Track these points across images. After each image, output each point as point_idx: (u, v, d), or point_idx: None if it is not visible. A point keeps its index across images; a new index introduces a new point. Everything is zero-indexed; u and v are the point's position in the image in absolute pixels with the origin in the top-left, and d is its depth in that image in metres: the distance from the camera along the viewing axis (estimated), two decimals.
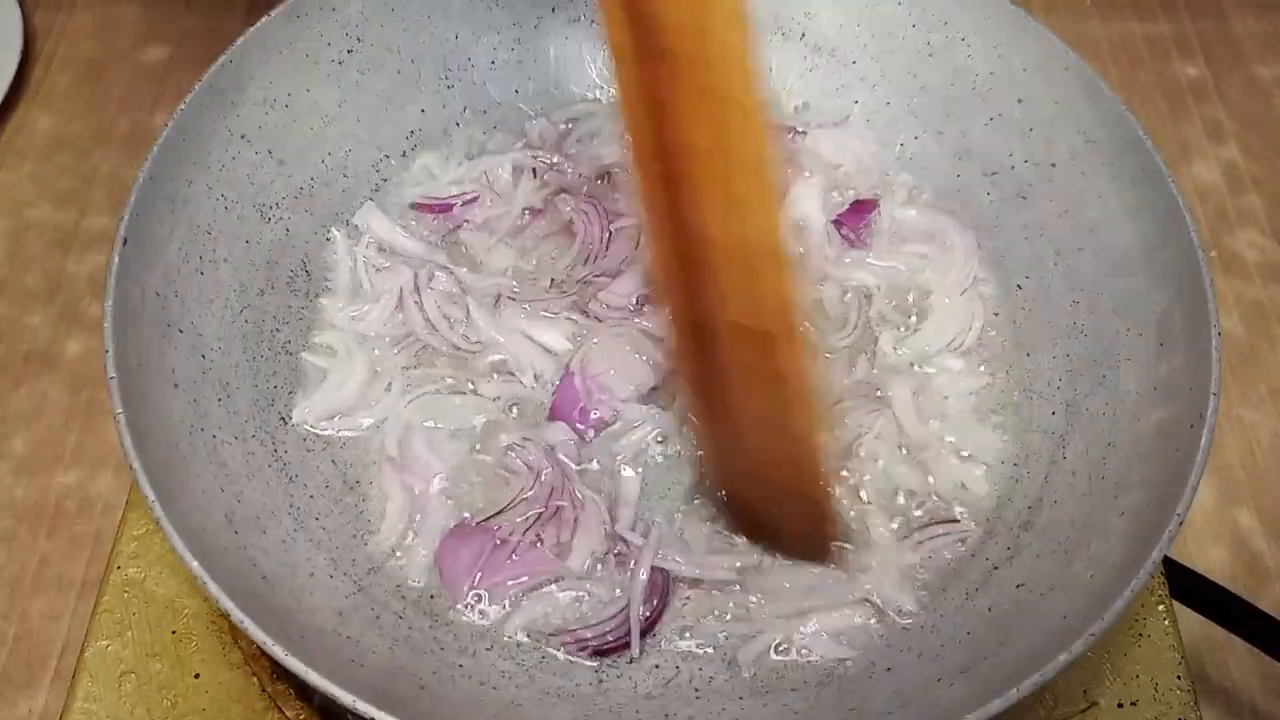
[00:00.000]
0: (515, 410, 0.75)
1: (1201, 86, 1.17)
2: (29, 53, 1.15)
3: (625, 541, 0.69)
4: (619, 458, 0.72)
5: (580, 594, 0.67)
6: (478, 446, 0.73)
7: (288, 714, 0.67)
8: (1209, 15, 1.22)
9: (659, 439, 0.73)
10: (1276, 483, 0.91)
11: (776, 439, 0.61)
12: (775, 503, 0.66)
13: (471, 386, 0.75)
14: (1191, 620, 0.72)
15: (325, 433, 0.73)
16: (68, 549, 0.88)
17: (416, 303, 0.78)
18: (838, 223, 0.83)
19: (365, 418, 0.74)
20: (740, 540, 0.69)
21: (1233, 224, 1.06)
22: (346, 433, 0.74)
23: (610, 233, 0.82)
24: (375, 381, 0.75)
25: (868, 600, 0.68)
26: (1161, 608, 0.71)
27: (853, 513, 0.71)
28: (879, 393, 0.76)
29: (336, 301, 0.79)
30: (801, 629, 0.67)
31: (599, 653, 0.65)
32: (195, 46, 1.15)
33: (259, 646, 0.67)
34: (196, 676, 0.68)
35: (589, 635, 0.66)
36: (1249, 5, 1.22)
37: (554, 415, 0.73)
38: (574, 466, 0.71)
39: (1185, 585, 0.72)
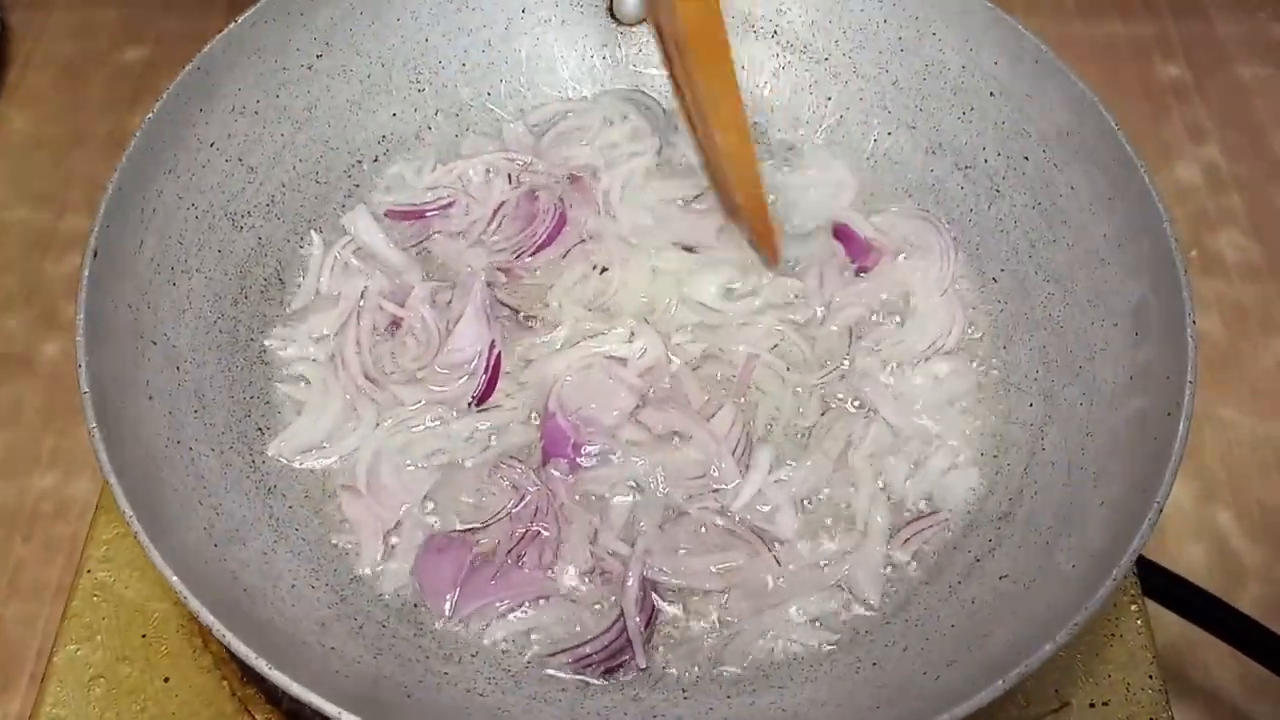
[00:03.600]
0: (493, 439, 0.74)
1: (1183, 87, 1.17)
2: (6, 53, 1.14)
3: (610, 556, 0.69)
4: (612, 485, 0.71)
5: (567, 610, 0.67)
6: (457, 466, 0.72)
7: (257, 717, 0.67)
8: (1191, 16, 1.23)
9: (651, 465, 0.72)
10: (1255, 483, 0.91)
11: (707, 131, 0.79)
12: (727, 195, 0.82)
13: (443, 419, 0.74)
14: (1170, 620, 0.73)
15: (301, 466, 0.72)
16: (43, 553, 0.87)
17: (356, 320, 0.78)
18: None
19: (339, 451, 0.73)
20: (726, 541, 0.70)
21: (1213, 224, 1.07)
22: (323, 462, 0.73)
23: (549, 233, 0.82)
24: (349, 414, 0.74)
25: (840, 586, 0.69)
26: (1134, 607, 0.71)
27: (847, 506, 0.72)
28: (865, 399, 0.76)
29: (299, 313, 0.79)
30: (782, 618, 0.67)
31: (609, 671, 0.65)
32: (174, 48, 1.15)
33: (235, 655, 0.67)
34: (166, 680, 0.68)
35: (589, 651, 0.65)
36: (1231, 6, 1.23)
37: (547, 457, 0.73)
38: (562, 482, 0.71)
39: (1159, 584, 0.72)
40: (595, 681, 0.65)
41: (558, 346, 0.77)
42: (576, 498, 0.71)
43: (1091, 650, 0.70)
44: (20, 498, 0.90)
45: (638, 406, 0.74)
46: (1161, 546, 0.87)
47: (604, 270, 0.81)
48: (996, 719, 0.68)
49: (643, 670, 0.65)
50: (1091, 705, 0.68)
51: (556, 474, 0.71)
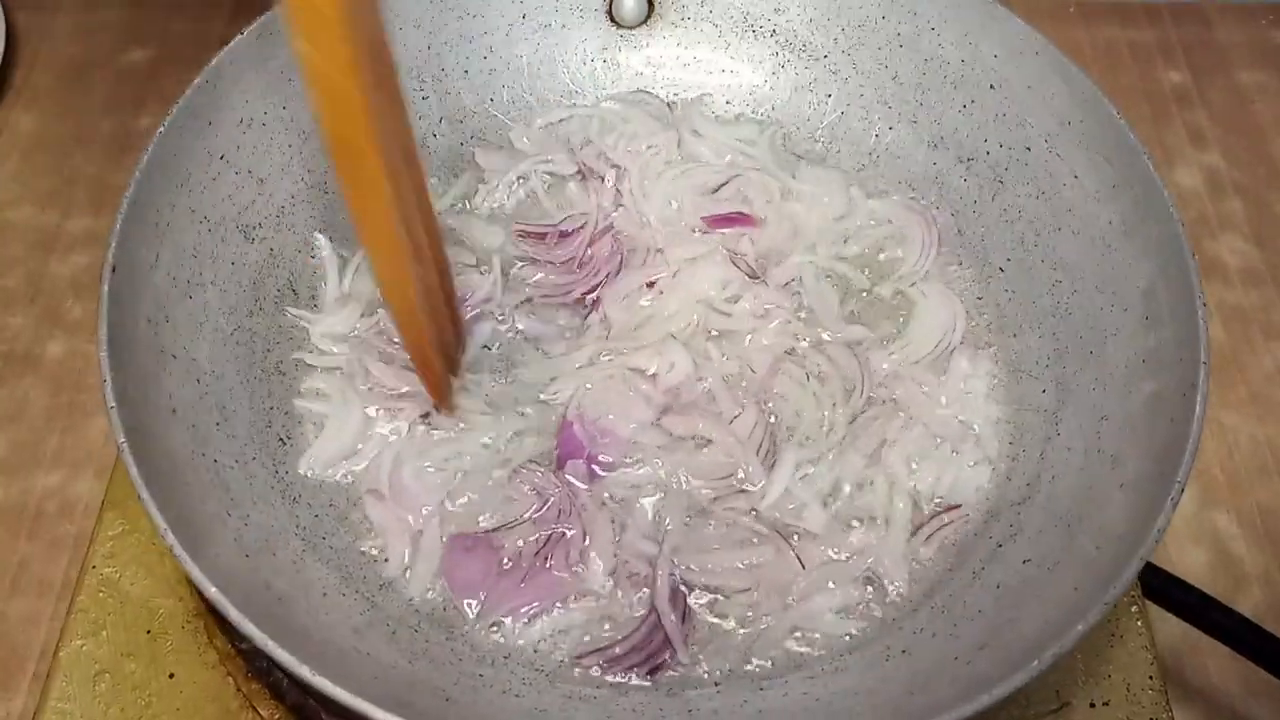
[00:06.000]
0: (513, 443, 0.74)
1: (1184, 92, 1.18)
2: (11, 54, 1.14)
3: (636, 558, 0.69)
4: (633, 487, 0.72)
5: (596, 611, 0.67)
6: (479, 470, 0.73)
7: (262, 713, 0.67)
8: (1192, 21, 1.24)
9: (674, 467, 0.73)
10: (1256, 486, 0.92)
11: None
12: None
13: (462, 423, 0.75)
14: (1172, 622, 0.73)
15: (332, 479, 0.72)
16: (48, 551, 0.87)
17: (373, 327, 0.78)
18: None
19: (364, 459, 0.73)
20: (753, 537, 0.70)
21: (1214, 229, 1.08)
22: (352, 471, 0.73)
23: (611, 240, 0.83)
24: (370, 421, 0.74)
25: (869, 576, 0.69)
26: (1135, 608, 0.72)
27: (870, 500, 0.72)
28: (894, 398, 0.77)
29: (315, 321, 0.79)
30: (810, 611, 0.68)
31: (653, 671, 0.65)
32: (179, 49, 1.14)
33: (239, 652, 0.68)
34: (171, 676, 0.68)
35: (620, 652, 0.66)
36: (1232, 11, 1.24)
37: (562, 463, 0.73)
38: (584, 489, 0.71)
39: (1159, 587, 0.72)
40: (638, 682, 0.65)
41: (585, 355, 0.77)
42: (606, 495, 0.71)
43: (1092, 651, 0.70)
44: (24, 496, 0.90)
45: (655, 421, 0.74)
46: (1162, 550, 0.87)
47: (652, 285, 0.81)
48: (998, 718, 0.68)
49: (684, 666, 0.66)
50: (1092, 705, 0.69)
51: (573, 479, 0.72)
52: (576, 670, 0.65)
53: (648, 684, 0.65)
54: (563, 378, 0.76)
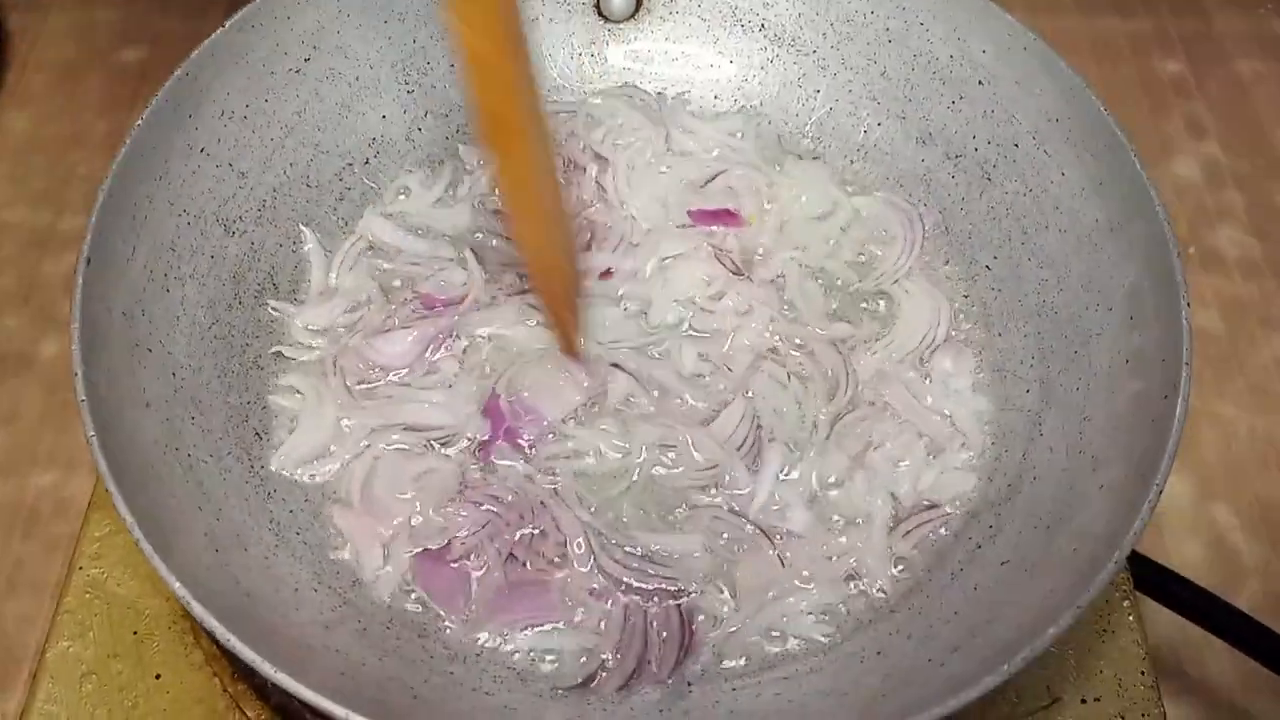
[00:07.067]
0: (478, 450, 0.73)
1: (1182, 83, 1.17)
2: (4, 54, 1.15)
3: (615, 561, 0.68)
4: (612, 480, 0.72)
5: (577, 620, 0.67)
6: (449, 473, 0.72)
7: (248, 714, 0.67)
8: (1190, 12, 1.23)
9: (651, 464, 0.72)
10: (1254, 479, 0.91)
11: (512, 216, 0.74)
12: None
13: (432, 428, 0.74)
14: (1166, 616, 0.73)
15: (303, 479, 0.72)
16: (42, 551, 0.88)
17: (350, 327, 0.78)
18: None
19: (337, 461, 0.73)
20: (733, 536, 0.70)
21: (1213, 220, 1.07)
22: (323, 472, 0.72)
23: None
24: (343, 423, 0.74)
25: (849, 575, 0.69)
26: (1126, 603, 0.71)
27: (851, 500, 0.72)
28: (876, 397, 0.76)
29: (293, 317, 0.78)
30: (787, 611, 0.67)
31: (677, 663, 0.65)
32: (172, 48, 1.12)
33: (232, 655, 0.67)
34: (158, 677, 0.68)
35: (610, 677, 0.65)
36: (1230, 2, 1.23)
37: (492, 440, 0.72)
38: (547, 487, 0.71)
39: (1153, 580, 0.72)
40: (658, 686, 0.65)
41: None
42: (555, 488, 0.71)
43: (1084, 646, 0.70)
44: (19, 496, 0.90)
45: (585, 405, 0.74)
46: (1159, 543, 0.86)
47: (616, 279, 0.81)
48: (988, 715, 0.68)
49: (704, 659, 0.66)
50: (1083, 701, 0.68)
51: (533, 470, 0.71)
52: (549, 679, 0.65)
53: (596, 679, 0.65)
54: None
